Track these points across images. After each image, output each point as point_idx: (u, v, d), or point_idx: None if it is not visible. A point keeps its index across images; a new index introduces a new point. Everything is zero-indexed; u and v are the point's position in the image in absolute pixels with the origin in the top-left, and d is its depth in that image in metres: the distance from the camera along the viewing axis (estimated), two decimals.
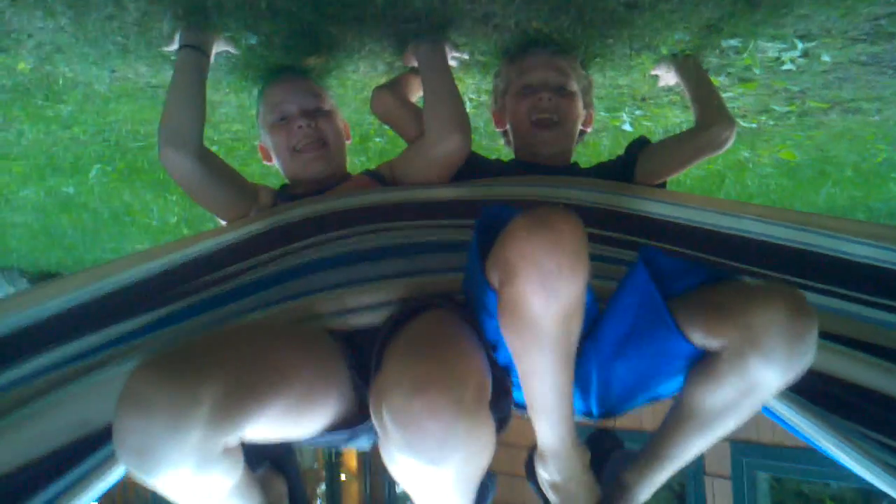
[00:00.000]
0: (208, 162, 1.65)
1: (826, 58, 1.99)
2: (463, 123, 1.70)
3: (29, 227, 4.16)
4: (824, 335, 1.25)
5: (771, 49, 1.96)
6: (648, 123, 2.51)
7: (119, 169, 2.96)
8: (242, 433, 1.14)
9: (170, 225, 3.77)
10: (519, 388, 1.29)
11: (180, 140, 1.62)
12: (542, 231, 1.10)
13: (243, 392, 1.12)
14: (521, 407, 1.35)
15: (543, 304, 1.11)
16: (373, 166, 1.98)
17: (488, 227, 1.29)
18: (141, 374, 1.07)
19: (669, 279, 1.33)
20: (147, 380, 1.06)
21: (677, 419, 1.32)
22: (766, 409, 1.47)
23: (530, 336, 1.16)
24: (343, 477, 7.88)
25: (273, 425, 1.23)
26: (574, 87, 1.88)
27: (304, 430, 1.33)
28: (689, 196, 1.78)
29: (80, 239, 4.42)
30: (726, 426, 1.28)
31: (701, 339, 1.24)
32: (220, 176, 1.68)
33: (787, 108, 2.44)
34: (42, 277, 5.78)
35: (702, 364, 1.26)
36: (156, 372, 1.07)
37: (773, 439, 3.93)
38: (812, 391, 1.40)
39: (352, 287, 1.54)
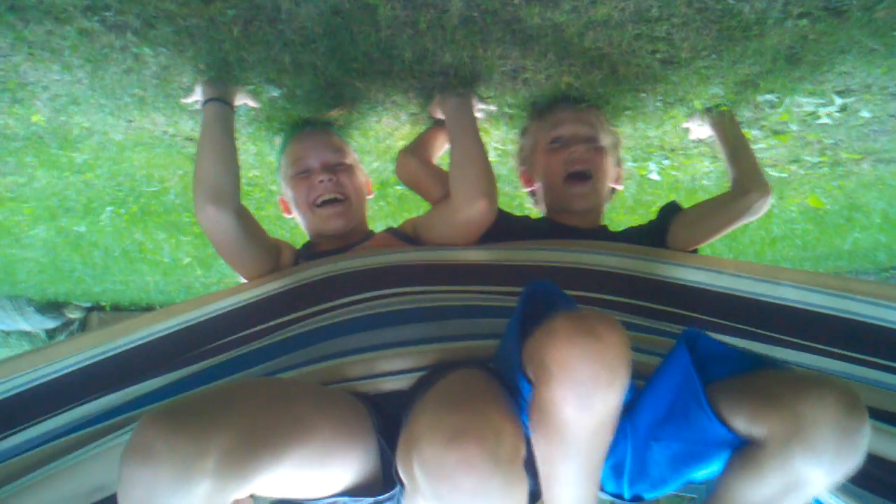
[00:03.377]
0: (245, 219, 1.59)
1: (865, 113, 1.93)
2: (489, 189, 1.62)
3: (38, 262, 4.12)
4: (871, 413, 1.14)
5: (807, 104, 1.90)
6: (676, 173, 2.44)
7: (132, 211, 2.91)
8: (253, 486, 1.07)
9: (182, 263, 3.71)
10: None
11: (222, 198, 1.54)
12: (584, 339, 1.03)
13: (254, 443, 1.06)
14: None
15: (576, 414, 1.04)
16: (392, 212, 1.91)
17: (531, 306, 1.23)
18: (148, 423, 1.01)
19: (712, 363, 1.25)
20: (154, 430, 1.00)
21: None
22: None
23: (559, 442, 1.09)
24: None
25: (287, 479, 1.16)
26: (604, 141, 1.82)
27: (321, 488, 1.25)
28: (722, 261, 1.70)
29: (90, 273, 4.38)
30: None
31: (744, 426, 1.16)
32: (252, 233, 1.62)
33: (819, 159, 2.37)
34: (49, 306, 5.75)
35: (742, 453, 1.17)
36: (163, 422, 1.01)
37: None
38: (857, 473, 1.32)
39: (381, 351, 1.49)
